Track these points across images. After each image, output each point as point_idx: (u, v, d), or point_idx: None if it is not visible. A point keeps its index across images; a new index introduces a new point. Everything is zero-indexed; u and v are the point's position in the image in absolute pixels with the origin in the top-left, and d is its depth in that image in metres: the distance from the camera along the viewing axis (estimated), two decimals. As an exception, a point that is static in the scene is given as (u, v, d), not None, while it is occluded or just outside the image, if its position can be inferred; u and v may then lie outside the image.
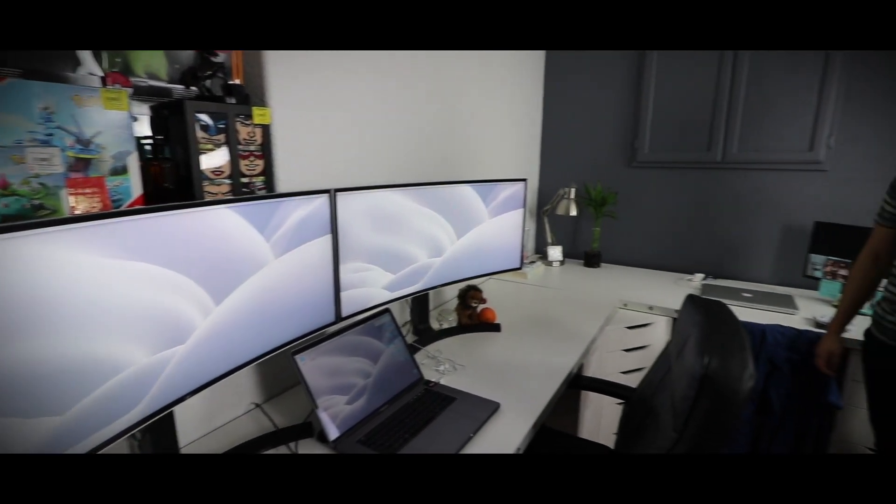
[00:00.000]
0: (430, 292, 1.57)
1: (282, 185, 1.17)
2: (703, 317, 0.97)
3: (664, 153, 2.37)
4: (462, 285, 1.67)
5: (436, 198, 1.43)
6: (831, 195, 2.08)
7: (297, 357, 1.02)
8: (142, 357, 0.77)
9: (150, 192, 0.96)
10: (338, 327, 1.17)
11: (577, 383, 1.47)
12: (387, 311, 1.29)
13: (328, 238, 1.13)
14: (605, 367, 1.92)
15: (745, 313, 1.82)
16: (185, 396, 0.86)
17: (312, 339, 1.08)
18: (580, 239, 2.71)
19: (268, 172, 1.14)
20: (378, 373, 1.18)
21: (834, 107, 2.00)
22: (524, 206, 1.72)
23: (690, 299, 1.12)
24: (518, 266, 1.78)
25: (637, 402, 1.25)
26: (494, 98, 2.17)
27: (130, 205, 0.91)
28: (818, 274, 2.01)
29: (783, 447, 1.73)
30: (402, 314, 1.70)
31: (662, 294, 2.06)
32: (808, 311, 1.85)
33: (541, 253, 2.74)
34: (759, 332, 1.67)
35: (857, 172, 2.03)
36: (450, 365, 1.39)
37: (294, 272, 1.04)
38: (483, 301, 1.66)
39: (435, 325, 1.66)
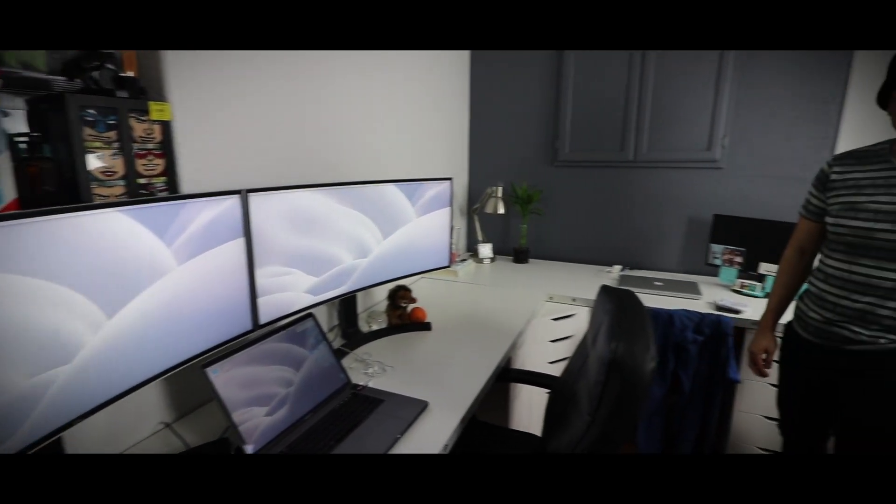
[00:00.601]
0: (358, 294, 1.55)
1: (187, 187, 1.09)
2: (614, 305, 1.03)
3: (583, 153, 2.50)
4: (391, 286, 1.66)
5: (359, 198, 1.41)
6: (727, 190, 2.30)
7: (209, 370, 0.96)
8: (18, 381, 0.68)
9: (27, 195, 0.85)
10: (256, 335, 1.11)
11: (506, 376, 1.51)
12: (310, 315, 1.25)
13: (241, 241, 1.07)
14: (535, 358, 1.99)
15: (656, 300, 1.97)
16: (76, 420, 0.77)
17: (226, 350, 1.02)
18: (509, 236, 2.79)
19: (170, 172, 1.05)
20: (301, 380, 1.13)
21: (727, 109, 2.21)
22: (451, 204, 1.73)
23: (604, 290, 1.19)
24: (447, 264, 1.80)
25: (560, 390, 1.31)
26: (421, 98, 2.17)
27: (1, 210, 0.80)
28: (717, 262, 2.22)
29: (693, 422, 1.88)
30: (330, 318, 1.65)
31: (585, 286, 2.17)
32: (710, 295, 2.03)
33: (472, 251, 2.78)
34: (667, 317, 1.81)
35: (748, 169, 2.25)
36: (379, 367, 1.37)
37: (202, 279, 0.97)
38: (413, 301, 1.66)
39: (364, 328, 1.64)
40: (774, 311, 1.39)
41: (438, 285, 2.19)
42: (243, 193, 1.06)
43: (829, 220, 1.19)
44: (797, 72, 2.10)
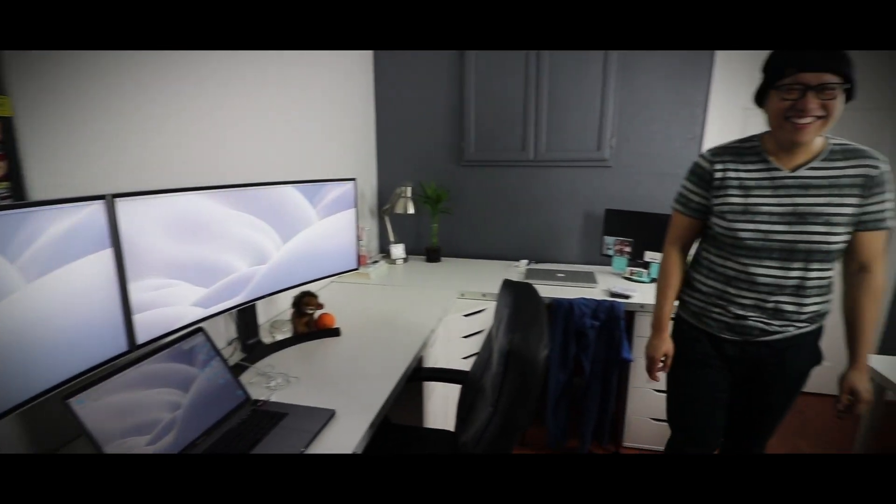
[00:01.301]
0: (259, 303, 1.45)
1: (39, 193, 0.95)
2: (513, 298, 1.07)
3: (487, 153, 2.58)
4: (296, 292, 1.58)
5: (253, 201, 1.32)
6: (615, 186, 2.51)
7: (72, 401, 0.84)
8: None
9: None
10: (134, 357, 0.99)
11: (418, 376, 1.51)
12: (199, 330, 1.15)
13: (108, 253, 0.95)
14: (449, 354, 2.01)
15: (558, 290, 2.09)
16: None
17: (95, 376, 0.90)
18: (421, 236, 2.80)
19: (15, 177, 0.91)
20: (191, 402, 1.04)
21: (613, 112, 2.41)
22: (356, 205, 1.69)
23: (505, 284, 1.23)
24: (355, 267, 1.76)
25: (469, 384, 1.34)
26: (323, 98, 2.10)
27: None
28: (611, 252, 2.41)
29: (594, 401, 2.03)
30: (228, 330, 1.54)
31: (494, 281, 2.24)
32: (605, 283, 2.20)
33: (385, 252, 2.75)
34: (568, 306, 1.93)
35: (632, 167, 2.48)
36: (283, 379, 1.30)
37: (59, 298, 0.85)
38: (320, 307, 1.60)
39: (267, 339, 1.54)
40: (664, 311, 1.33)
41: (349, 289, 2.13)
42: (108, 199, 0.94)
43: (719, 221, 1.16)
44: (670, 78, 2.35)
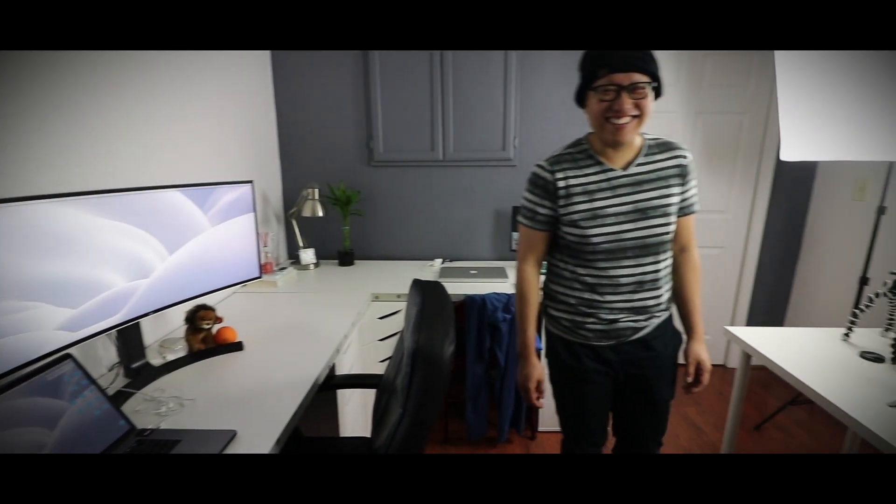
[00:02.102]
0: (145, 322, 1.31)
1: None
2: (421, 297, 1.07)
3: (397, 153, 2.57)
4: (190, 306, 1.45)
5: (130, 208, 1.18)
6: (520, 185, 2.62)
7: None
8: None
9: None
10: (-22, 395, 0.84)
11: (330, 384, 1.45)
12: (67, 357, 1.00)
13: (-66, 275, 0.79)
14: (365, 359, 1.97)
15: (472, 287, 2.13)
16: None
17: (-79, 424, 0.75)
18: (332, 239, 2.71)
19: None
20: (58, 440, 0.90)
21: (515, 112, 2.51)
22: (254, 209, 1.59)
23: (413, 284, 1.23)
24: (258, 275, 1.65)
25: (383, 387, 1.31)
26: (217, 98, 1.94)
27: None
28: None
29: (510, 391, 2.10)
30: (108, 354, 1.37)
31: (408, 282, 2.23)
32: (514, 277, 2.29)
33: (294, 258, 2.63)
34: (481, 301, 1.98)
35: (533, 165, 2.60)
36: (175, 403, 1.18)
37: None
38: (218, 320, 1.48)
39: (157, 360, 1.40)
40: (533, 335, 1.27)
41: (255, 299, 2.00)
42: (-69, 210, 0.79)
43: (572, 230, 1.15)
44: (565, 78, 2.50)
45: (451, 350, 0.86)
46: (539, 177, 1.19)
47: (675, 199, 1.14)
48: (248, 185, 1.55)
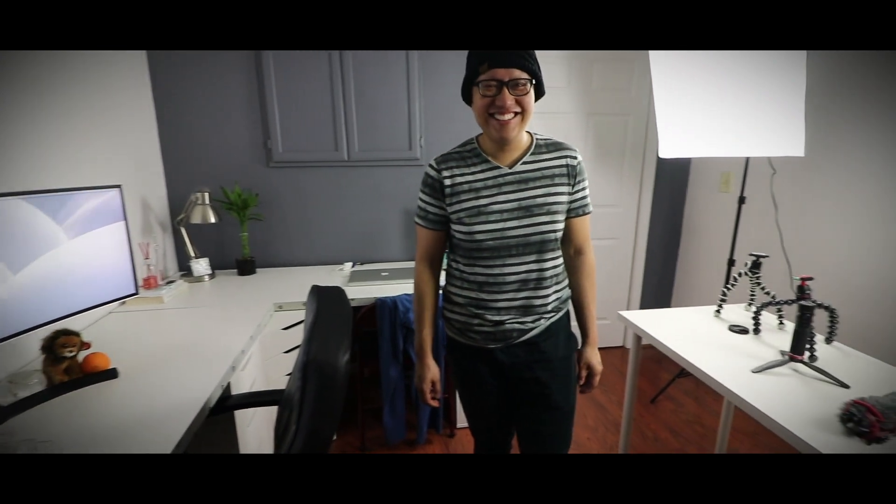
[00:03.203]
0: (-18, 356, 1.10)
1: None
2: (318, 304, 1.01)
3: (299, 153, 2.44)
4: (47, 332, 1.24)
5: (-49, 220, 0.98)
6: (429, 183, 2.63)
7: None
8: None
9: None
10: None
11: (225, 406, 1.33)
12: None
13: None
14: (268, 374, 1.84)
15: (384, 289, 2.09)
16: None
17: None
18: (229, 247, 2.51)
19: None
20: None
21: (419, 111, 2.50)
22: (125, 217, 1.41)
23: (312, 290, 1.16)
24: (133, 291, 1.47)
25: (284, 403, 1.23)
26: (76, 96, 1.69)
27: None
28: (430, 246, 2.52)
29: (426, 392, 2.09)
30: (-66, 400, 1.13)
31: (315, 288, 2.12)
32: (427, 277, 2.28)
33: (185, 269, 2.39)
34: (392, 303, 1.94)
35: (441, 164, 2.62)
36: (27, 447, 1.00)
37: None
38: (84, 346, 1.28)
39: (8, 398, 1.18)
40: (429, 336, 1.25)
41: (137, 318, 1.78)
42: None
43: (459, 227, 1.15)
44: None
45: (345, 359, 0.81)
46: (428, 176, 1.18)
47: (562, 199, 1.15)
48: (114, 191, 1.37)
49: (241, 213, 2.33)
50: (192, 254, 2.29)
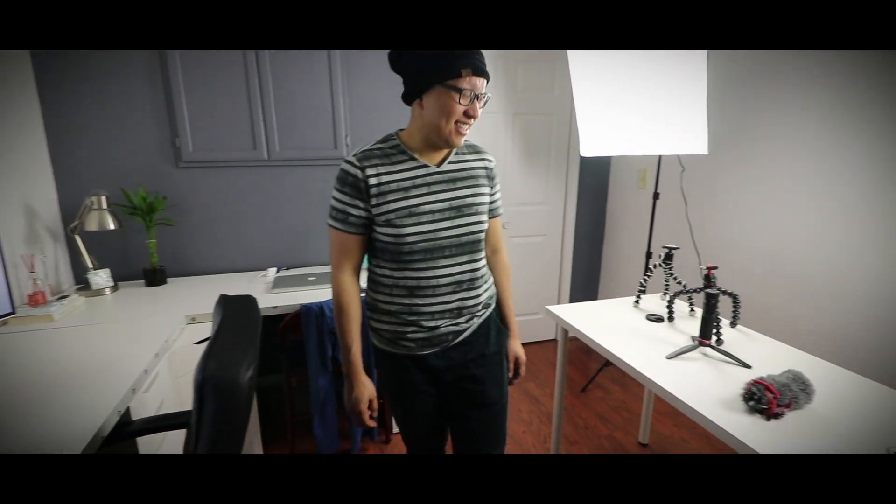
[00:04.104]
0: None
1: None
2: (221, 316, 0.92)
3: (212, 152, 2.26)
4: None
5: None
6: (357, 183, 2.55)
7: None
8: None
9: None
10: None
11: (123, 433, 1.19)
12: None
13: None
14: (180, 393, 1.69)
15: (310, 295, 1.99)
16: None
17: None
18: (135, 256, 2.28)
19: None
20: None
21: (344, 111, 2.41)
22: (-8, 226, 1.22)
23: (220, 300, 1.06)
24: (10, 310, 1.28)
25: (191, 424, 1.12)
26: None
27: None
28: (360, 248, 2.44)
29: (359, 399, 2.02)
30: None
31: (234, 297, 1.98)
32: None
33: (83, 283, 2.14)
34: (318, 310, 1.85)
35: (369, 164, 2.55)
36: None
37: None
38: (-60, 378, 1.09)
39: None
40: (359, 352, 1.15)
41: (21, 340, 1.55)
42: None
43: (387, 230, 1.07)
44: (391, 77, 2.49)
45: (248, 374, 0.74)
46: (348, 174, 1.07)
47: (486, 199, 1.16)
48: (-24, 195, 1.18)
49: (146, 219, 2.12)
50: (90, 264, 2.05)
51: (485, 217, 1.15)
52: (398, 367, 1.18)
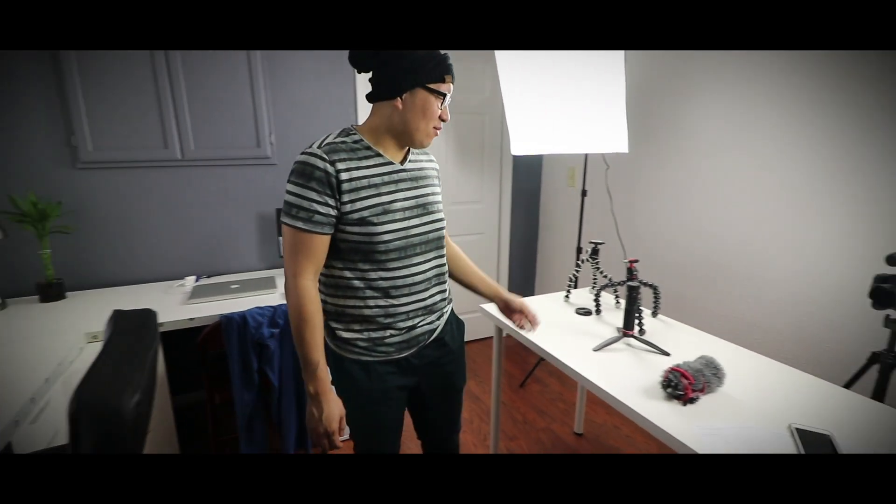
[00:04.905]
0: None
1: None
2: (109, 336, 0.82)
3: (116, 151, 2.06)
4: None
5: None
6: (283, 184, 2.42)
7: None
8: None
9: None
10: None
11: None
12: None
13: None
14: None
15: (231, 304, 1.86)
16: None
17: None
18: (26, 268, 2.02)
19: None
20: None
21: (267, 109, 2.28)
22: None
23: (112, 316, 0.95)
24: None
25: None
26: None
27: None
28: (289, 252, 2.32)
29: (291, 410, 1.91)
30: None
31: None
32: (284, 287, 2.09)
33: (-41, 302, 1.87)
34: (240, 320, 1.73)
35: (297, 164, 2.44)
36: None
37: None
38: None
39: None
40: (325, 365, 1.05)
41: None
42: None
43: (358, 228, 1.02)
44: (319, 78, 2.39)
45: (133, 401, 0.65)
46: (315, 167, 0.98)
47: (440, 198, 1.20)
48: None
49: (38, 227, 1.89)
50: (-33, 281, 1.79)
51: (443, 215, 1.19)
52: (372, 375, 1.12)
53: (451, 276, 1.33)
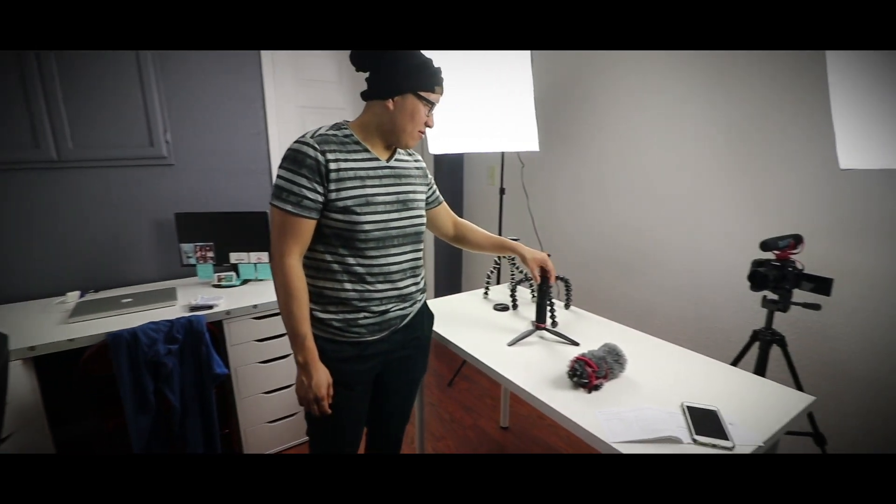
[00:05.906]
0: None
1: None
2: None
3: (-29, 151, 1.78)
4: None
5: None
6: (183, 187, 2.23)
7: None
8: None
9: None
10: None
11: None
12: None
13: None
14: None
15: (123, 321, 1.68)
16: None
17: None
18: None
19: None
20: None
21: (160, 106, 2.09)
22: None
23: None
24: None
25: None
26: None
27: None
28: (192, 261, 2.14)
29: (196, 430, 1.76)
30: None
31: (18, 330, 1.57)
32: (187, 297, 1.92)
33: None
34: (131, 337, 1.56)
35: (199, 164, 2.25)
36: None
37: None
38: None
39: None
40: (311, 336, 1.12)
41: None
42: None
43: (342, 216, 1.09)
44: (222, 74, 2.23)
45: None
46: (307, 155, 1.05)
47: (422, 196, 1.28)
48: None
49: None
50: None
51: (423, 212, 1.27)
52: (341, 356, 1.17)
53: (474, 245, 1.50)
